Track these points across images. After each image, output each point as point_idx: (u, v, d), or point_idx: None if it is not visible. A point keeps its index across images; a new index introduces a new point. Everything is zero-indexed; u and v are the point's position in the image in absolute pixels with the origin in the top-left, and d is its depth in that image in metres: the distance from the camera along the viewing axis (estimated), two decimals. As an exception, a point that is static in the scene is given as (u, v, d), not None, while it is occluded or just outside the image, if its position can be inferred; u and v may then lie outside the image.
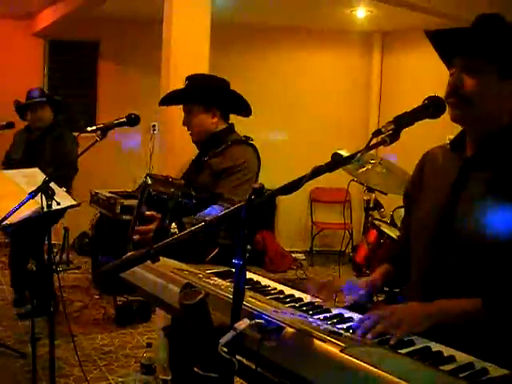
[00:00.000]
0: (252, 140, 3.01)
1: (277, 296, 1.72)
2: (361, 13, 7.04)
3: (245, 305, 1.35)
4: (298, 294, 1.74)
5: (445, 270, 1.66)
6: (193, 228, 1.38)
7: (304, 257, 8.06)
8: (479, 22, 1.68)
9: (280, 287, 1.81)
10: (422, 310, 1.52)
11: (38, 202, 2.66)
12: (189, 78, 3.03)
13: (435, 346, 1.35)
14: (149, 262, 1.33)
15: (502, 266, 1.55)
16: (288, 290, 1.77)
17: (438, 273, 1.68)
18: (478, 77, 1.63)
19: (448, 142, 1.83)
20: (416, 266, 1.80)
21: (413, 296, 1.76)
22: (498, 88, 1.64)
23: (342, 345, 1.20)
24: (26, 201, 2.58)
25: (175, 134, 3.91)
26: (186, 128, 2.99)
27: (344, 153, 1.50)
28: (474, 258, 1.60)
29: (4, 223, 2.67)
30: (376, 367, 1.11)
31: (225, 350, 1.24)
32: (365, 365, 1.12)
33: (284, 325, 1.28)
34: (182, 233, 1.39)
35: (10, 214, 2.57)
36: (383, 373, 1.09)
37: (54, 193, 2.67)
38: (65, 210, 4.38)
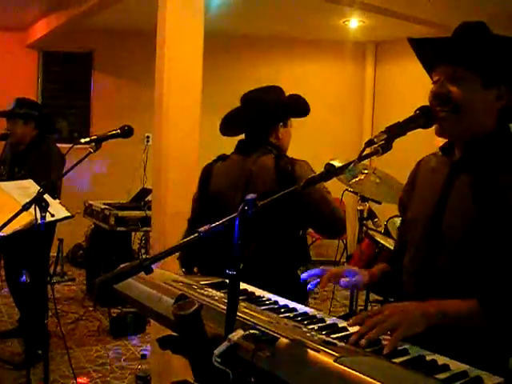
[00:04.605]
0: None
1: (271, 306, 1.72)
2: (353, 23, 7.10)
3: (239, 315, 1.35)
4: (291, 304, 1.75)
5: (434, 271, 1.68)
6: (186, 239, 1.38)
7: (299, 266, 8.04)
8: (462, 31, 1.69)
9: (274, 298, 1.81)
10: (420, 310, 1.49)
11: (32, 214, 2.65)
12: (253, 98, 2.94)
13: (429, 355, 1.35)
14: (142, 273, 1.33)
15: (489, 265, 1.57)
16: (282, 301, 1.78)
17: (428, 274, 1.70)
18: (462, 85, 1.64)
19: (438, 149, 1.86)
20: (408, 267, 1.82)
21: (404, 295, 1.77)
22: (482, 96, 1.65)
23: (336, 354, 1.20)
24: (20, 213, 2.57)
25: (169, 145, 3.91)
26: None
27: (337, 163, 1.50)
28: (461, 259, 1.62)
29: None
30: (370, 377, 1.11)
31: (219, 360, 1.24)
32: (359, 374, 1.12)
33: (278, 335, 1.28)
34: (177, 243, 1.39)
35: (4, 226, 2.55)
36: (377, 382, 1.09)
37: (47, 204, 2.66)
38: (55, 222, 4.24)
